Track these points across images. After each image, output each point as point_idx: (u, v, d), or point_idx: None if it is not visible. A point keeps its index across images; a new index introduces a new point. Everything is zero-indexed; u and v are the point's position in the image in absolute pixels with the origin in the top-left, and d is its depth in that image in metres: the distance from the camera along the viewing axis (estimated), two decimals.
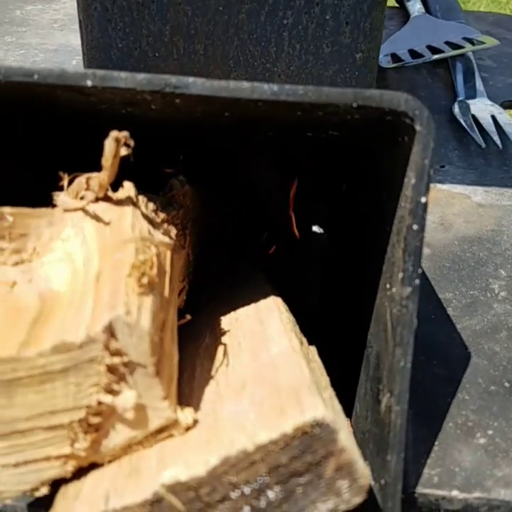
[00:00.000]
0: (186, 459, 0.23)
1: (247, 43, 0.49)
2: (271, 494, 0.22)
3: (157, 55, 0.50)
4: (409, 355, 0.28)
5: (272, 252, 0.54)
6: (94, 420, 0.24)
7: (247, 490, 0.22)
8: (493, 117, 0.58)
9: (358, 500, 0.22)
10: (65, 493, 0.25)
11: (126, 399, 0.24)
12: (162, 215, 0.31)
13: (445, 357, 0.36)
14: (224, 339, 0.33)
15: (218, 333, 0.33)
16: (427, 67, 0.68)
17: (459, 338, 0.38)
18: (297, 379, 0.25)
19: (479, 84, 0.64)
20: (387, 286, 0.30)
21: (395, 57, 0.69)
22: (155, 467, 0.24)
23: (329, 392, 0.27)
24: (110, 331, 0.23)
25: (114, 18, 0.49)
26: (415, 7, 0.78)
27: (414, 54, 0.68)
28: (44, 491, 0.25)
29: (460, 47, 0.65)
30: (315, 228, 0.62)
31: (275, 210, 0.59)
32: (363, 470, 0.22)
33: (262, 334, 0.31)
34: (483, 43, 0.66)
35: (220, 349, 0.31)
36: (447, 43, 0.68)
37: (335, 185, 0.53)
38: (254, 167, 0.51)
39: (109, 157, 0.27)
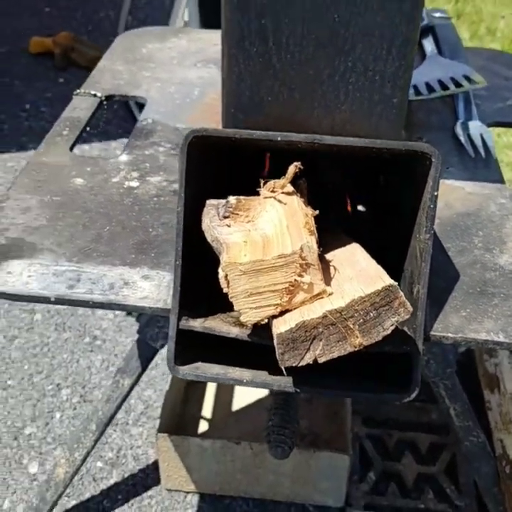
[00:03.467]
0: (335, 301, 0.55)
1: (327, 93, 0.79)
2: (371, 314, 0.54)
3: (270, 99, 0.81)
4: (428, 266, 0.59)
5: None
6: (291, 288, 0.56)
7: (358, 317, 0.54)
8: (481, 135, 0.89)
9: (407, 316, 0.54)
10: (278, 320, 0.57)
11: (305, 279, 0.56)
12: (303, 198, 0.63)
13: (445, 275, 0.68)
14: (333, 264, 0.64)
15: (326, 260, 0.65)
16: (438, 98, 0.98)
17: (453, 267, 0.70)
18: (379, 271, 0.57)
19: (474, 110, 0.95)
20: (417, 235, 0.62)
21: (415, 89, 0.99)
22: (318, 307, 0.55)
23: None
24: (301, 249, 0.55)
25: (245, 78, 0.79)
26: (429, 48, 1.08)
27: (429, 86, 0.98)
28: (264, 322, 0.57)
29: (460, 84, 0.95)
30: (360, 207, 0.94)
31: (337, 197, 0.91)
32: (409, 306, 0.54)
33: (353, 258, 0.63)
34: (476, 82, 0.96)
35: (331, 267, 0.63)
36: (452, 78, 0.99)
37: (375, 181, 0.85)
38: (330, 174, 0.83)
39: (291, 173, 0.59)
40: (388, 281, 0.54)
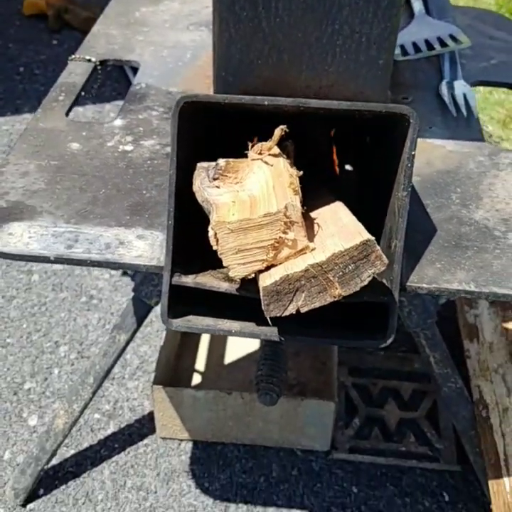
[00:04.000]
0: (317, 256, 0.59)
1: (314, 55, 0.82)
2: (350, 267, 0.58)
3: (260, 62, 0.84)
4: (405, 221, 0.64)
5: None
6: (276, 245, 0.60)
7: (338, 270, 0.59)
8: (464, 95, 0.93)
9: (383, 268, 0.58)
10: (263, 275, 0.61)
11: (290, 235, 0.60)
12: (289, 160, 0.67)
13: (423, 230, 0.73)
14: (317, 221, 0.68)
15: (311, 218, 0.69)
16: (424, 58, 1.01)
17: (430, 222, 0.74)
18: (358, 227, 0.61)
19: (458, 69, 0.98)
20: (395, 193, 0.66)
21: (402, 49, 1.02)
22: (300, 262, 0.60)
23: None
24: (285, 208, 0.59)
25: (236, 42, 0.82)
26: (417, 7, 1.11)
27: (415, 46, 1.01)
28: (251, 276, 0.61)
29: (446, 44, 0.98)
30: (347, 166, 0.98)
31: (325, 157, 0.94)
32: (385, 259, 0.58)
33: (336, 216, 0.67)
34: (461, 42, 0.99)
35: (315, 224, 0.67)
36: (438, 38, 1.02)
37: (362, 141, 0.88)
38: (318, 134, 0.86)
39: (277, 136, 0.62)
40: (366, 236, 0.58)
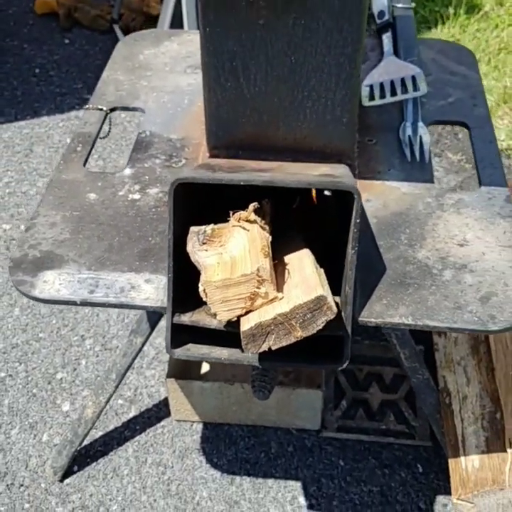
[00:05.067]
0: (283, 306, 0.77)
1: (289, 115, 0.97)
2: (308, 315, 0.76)
3: (243, 121, 0.99)
4: (354, 273, 0.80)
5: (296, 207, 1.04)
6: (252, 296, 0.77)
7: (299, 318, 0.76)
8: (420, 137, 1.08)
9: (333, 316, 0.75)
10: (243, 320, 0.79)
11: (262, 290, 0.77)
12: (264, 221, 0.84)
13: (374, 269, 0.90)
14: (286, 263, 0.85)
15: (283, 265, 0.86)
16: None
17: (382, 262, 0.91)
18: (316, 281, 0.78)
19: (419, 111, 1.13)
20: (348, 247, 0.82)
21: (371, 89, 1.16)
22: (271, 310, 0.77)
23: (327, 286, 0.80)
24: (258, 270, 0.76)
25: (222, 105, 0.97)
26: (386, 47, 1.24)
27: (382, 89, 1.15)
28: (234, 319, 0.79)
29: (407, 90, 1.12)
30: (326, 192, 1.13)
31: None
32: (335, 309, 0.76)
33: (302, 264, 0.84)
34: (419, 89, 1.11)
35: (286, 270, 0.84)
36: (402, 79, 1.16)
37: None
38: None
39: (250, 210, 0.79)
40: (320, 292, 0.75)
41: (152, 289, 0.89)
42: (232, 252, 0.80)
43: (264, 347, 0.77)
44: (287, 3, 0.85)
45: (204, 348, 0.86)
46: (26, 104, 2.23)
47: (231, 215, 0.82)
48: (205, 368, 1.43)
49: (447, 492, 1.26)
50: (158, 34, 1.36)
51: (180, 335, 0.87)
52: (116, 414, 1.43)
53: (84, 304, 0.87)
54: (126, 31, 2.45)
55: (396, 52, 1.23)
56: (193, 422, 1.40)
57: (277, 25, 0.87)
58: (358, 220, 0.79)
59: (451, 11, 2.67)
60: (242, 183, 0.80)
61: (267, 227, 0.84)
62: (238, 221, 0.81)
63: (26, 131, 2.13)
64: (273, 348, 0.77)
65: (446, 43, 1.33)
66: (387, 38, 1.27)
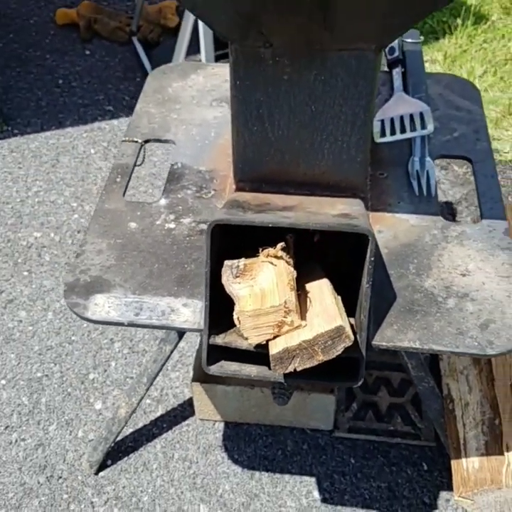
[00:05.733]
0: (306, 334, 0.88)
1: (309, 155, 1.08)
2: (328, 342, 0.87)
3: (267, 159, 1.10)
4: (368, 304, 0.92)
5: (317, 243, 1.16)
6: (279, 324, 0.89)
7: (321, 344, 0.88)
8: (427, 172, 1.19)
9: (350, 343, 0.87)
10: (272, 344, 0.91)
11: (288, 319, 0.89)
12: (288, 255, 0.95)
13: (386, 297, 1.01)
14: (308, 291, 0.97)
15: (305, 293, 0.98)
16: None
17: (392, 290, 1.02)
18: (335, 311, 0.90)
19: (426, 146, 1.24)
20: (363, 280, 0.94)
21: (382, 124, 1.26)
22: (296, 336, 0.89)
23: (345, 315, 0.92)
24: (285, 302, 0.88)
25: (249, 146, 1.09)
26: (397, 83, 1.34)
27: (392, 124, 1.25)
28: (263, 343, 0.91)
29: (415, 128, 1.22)
30: None
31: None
32: (352, 337, 0.87)
33: (322, 295, 0.96)
34: (426, 128, 1.21)
35: (308, 299, 0.96)
36: (411, 115, 1.26)
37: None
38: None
39: (278, 248, 0.91)
40: (339, 322, 0.87)
41: (189, 312, 1.01)
42: (261, 285, 0.91)
43: (290, 368, 0.89)
44: (309, 62, 0.97)
45: (235, 365, 0.98)
46: (51, 114, 2.34)
47: (260, 251, 0.94)
48: None
49: (450, 488, 1.39)
50: (184, 67, 1.46)
51: (214, 353, 0.99)
52: (144, 412, 1.56)
53: (131, 325, 0.99)
54: (145, 42, 2.57)
55: (405, 88, 1.34)
56: (216, 421, 1.53)
57: (300, 80, 0.99)
58: (372, 258, 0.90)
59: (459, 21, 2.77)
60: (270, 226, 0.92)
61: (292, 261, 0.95)
62: (267, 257, 0.93)
63: (52, 141, 2.24)
64: (298, 369, 0.89)
65: (452, 77, 1.43)
66: (397, 74, 1.37)
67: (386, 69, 1.40)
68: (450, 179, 2.04)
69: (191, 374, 1.50)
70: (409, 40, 1.45)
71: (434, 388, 1.31)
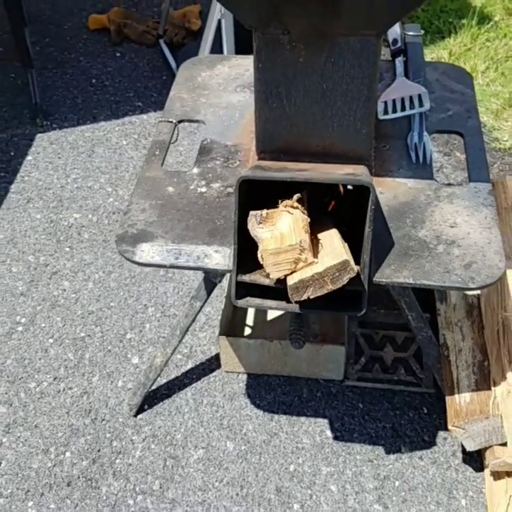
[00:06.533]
0: (318, 267, 1.08)
1: (320, 128, 1.28)
2: (336, 274, 1.07)
3: (285, 132, 1.29)
4: (369, 244, 1.11)
5: (331, 207, 1.36)
6: (296, 260, 1.08)
7: (330, 275, 1.07)
8: (424, 144, 1.38)
9: (354, 274, 1.06)
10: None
11: (303, 256, 1.08)
12: (303, 207, 1.15)
13: (385, 244, 1.20)
14: (320, 239, 1.16)
15: (317, 239, 1.17)
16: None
17: (391, 239, 1.21)
18: (342, 250, 1.09)
19: (423, 123, 1.43)
20: (366, 226, 1.13)
21: (385, 105, 1.46)
22: (309, 270, 1.08)
23: (350, 254, 1.11)
24: (300, 242, 1.07)
25: (269, 121, 1.28)
26: (399, 69, 1.54)
27: (394, 104, 1.45)
28: (282, 278, 1.10)
29: (414, 106, 1.41)
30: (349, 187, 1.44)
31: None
32: (355, 268, 1.07)
33: (331, 240, 1.15)
34: (423, 105, 1.41)
35: (320, 244, 1.15)
36: (411, 97, 1.46)
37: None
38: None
39: (294, 199, 1.10)
40: (345, 257, 1.06)
41: (220, 257, 1.20)
42: (281, 229, 1.11)
43: (305, 296, 1.09)
44: (321, 46, 1.16)
45: (258, 300, 1.18)
46: (86, 110, 2.56)
47: (280, 202, 1.13)
48: (248, 328, 1.75)
49: (447, 428, 1.56)
50: (212, 59, 1.67)
51: (241, 290, 1.18)
52: (176, 366, 1.76)
53: (172, 267, 1.19)
54: (170, 45, 2.78)
55: (406, 74, 1.53)
56: (239, 373, 1.72)
57: (313, 62, 1.18)
58: (372, 207, 1.10)
59: (463, 21, 2.95)
60: (288, 180, 1.11)
61: (306, 212, 1.15)
62: (285, 207, 1.13)
63: (88, 134, 2.46)
64: (311, 297, 1.09)
65: (449, 65, 1.62)
66: (399, 62, 1.57)
67: (390, 58, 1.59)
68: (452, 164, 2.23)
69: (217, 333, 1.70)
70: (410, 33, 1.64)
71: (431, 337, 1.50)
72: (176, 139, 1.48)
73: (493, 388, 1.40)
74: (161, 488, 1.54)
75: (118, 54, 2.82)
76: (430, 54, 2.85)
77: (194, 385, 1.71)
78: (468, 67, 2.72)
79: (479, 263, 1.16)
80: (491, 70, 2.74)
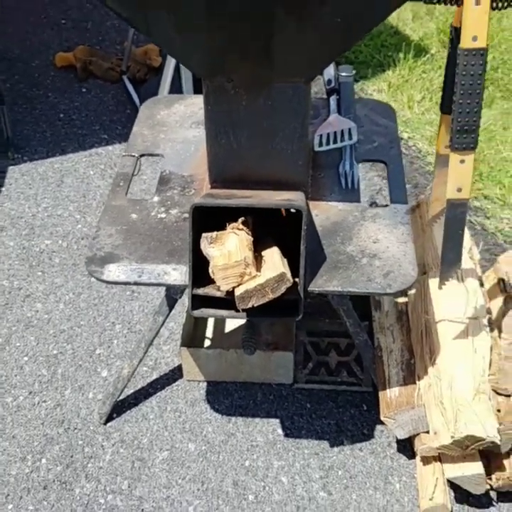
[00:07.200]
0: (260, 280, 1.27)
1: (263, 161, 1.48)
2: (275, 285, 1.26)
3: (232, 164, 1.49)
4: (304, 260, 1.31)
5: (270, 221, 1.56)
6: (241, 274, 1.28)
7: (270, 286, 1.26)
8: (352, 172, 1.59)
9: (289, 284, 1.26)
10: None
11: (247, 271, 1.27)
12: (247, 228, 1.35)
13: (318, 258, 1.41)
14: (263, 255, 1.36)
15: (261, 256, 1.37)
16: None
17: (324, 254, 1.42)
18: (280, 264, 1.29)
19: (353, 153, 1.65)
20: (301, 243, 1.33)
21: (320, 138, 1.67)
22: (253, 282, 1.27)
23: (287, 268, 1.31)
24: (244, 258, 1.27)
25: (219, 156, 1.48)
26: (333, 106, 1.76)
27: (328, 138, 1.66)
28: (230, 290, 1.29)
29: (343, 139, 1.63)
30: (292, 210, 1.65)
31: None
32: (291, 280, 1.27)
33: (272, 255, 1.35)
34: (351, 139, 1.63)
35: (263, 260, 1.35)
36: (342, 131, 1.67)
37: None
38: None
39: (239, 222, 1.30)
40: (281, 270, 1.26)
41: (178, 274, 1.39)
42: (228, 248, 1.31)
43: (250, 304, 1.28)
44: (259, 91, 1.37)
45: (211, 310, 1.37)
46: (55, 143, 2.74)
47: (227, 225, 1.33)
48: (207, 340, 1.94)
49: (383, 423, 1.77)
50: (169, 99, 1.88)
51: (197, 303, 1.37)
52: (142, 377, 1.93)
53: (136, 283, 1.38)
54: (134, 80, 2.99)
55: (339, 111, 1.75)
56: (200, 381, 1.90)
57: (253, 105, 1.39)
58: (305, 227, 1.30)
59: (401, 55, 3.22)
60: (233, 206, 1.31)
61: (250, 233, 1.35)
62: (232, 229, 1.32)
63: (57, 165, 2.64)
64: (255, 305, 1.28)
65: (376, 101, 1.85)
66: (333, 100, 1.79)
67: (325, 96, 1.81)
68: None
69: (179, 345, 1.88)
70: (343, 74, 1.87)
71: (367, 341, 1.70)
72: (139, 171, 1.67)
73: (417, 382, 1.60)
74: (129, 487, 1.70)
75: (84, 90, 3.02)
76: (372, 86, 3.10)
77: (159, 393, 1.89)
78: (405, 98, 2.98)
79: (396, 272, 1.37)
80: (426, 99, 3.00)
